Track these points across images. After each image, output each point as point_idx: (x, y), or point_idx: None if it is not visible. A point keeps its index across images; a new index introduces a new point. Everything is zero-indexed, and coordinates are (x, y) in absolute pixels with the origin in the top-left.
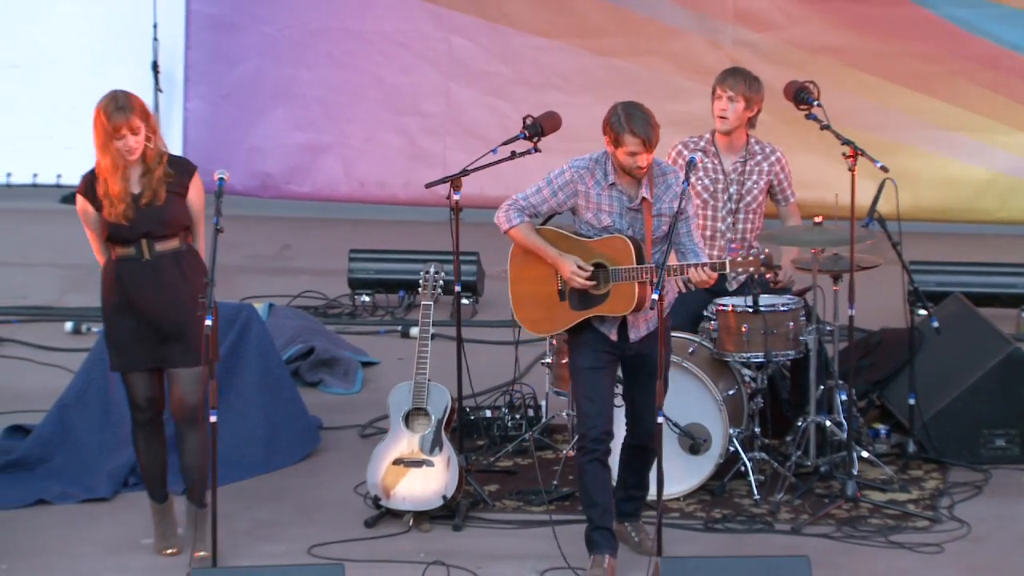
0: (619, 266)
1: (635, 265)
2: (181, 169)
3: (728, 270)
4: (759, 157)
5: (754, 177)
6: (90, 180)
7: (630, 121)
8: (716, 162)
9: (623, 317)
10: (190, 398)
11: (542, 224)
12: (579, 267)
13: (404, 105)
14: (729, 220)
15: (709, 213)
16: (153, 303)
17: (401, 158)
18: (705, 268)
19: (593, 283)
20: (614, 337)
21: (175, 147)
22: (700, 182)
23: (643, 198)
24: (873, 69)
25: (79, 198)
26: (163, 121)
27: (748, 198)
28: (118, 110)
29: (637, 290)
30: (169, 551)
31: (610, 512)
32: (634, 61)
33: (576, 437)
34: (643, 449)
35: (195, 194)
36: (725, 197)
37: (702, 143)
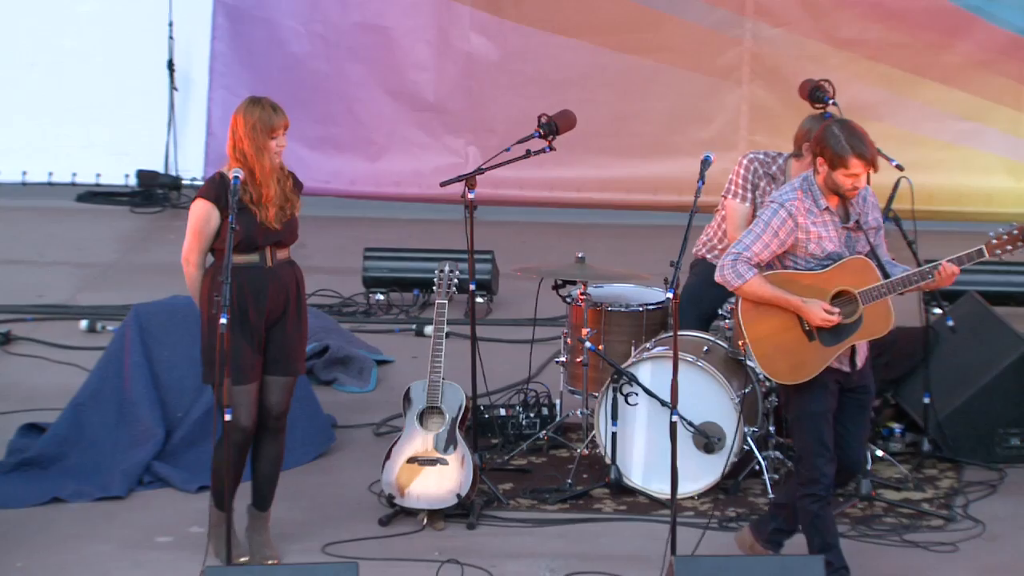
0: (868, 287)
1: (882, 281)
2: (296, 183)
3: (987, 255)
4: None
5: None
6: (221, 186)
7: (853, 141)
8: None
9: (851, 347)
10: (279, 407)
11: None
12: (827, 312)
13: (424, 102)
14: None
15: None
16: (270, 310)
17: (421, 155)
18: (951, 263)
19: (843, 318)
20: (847, 368)
21: (195, 145)
22: (761, 207)
23: (858, 214)
24: (894, 61)
25: (204, 204)
26: (179, 119)
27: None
28: (274, 110)
29: (892, 306)
30: (243, 559)
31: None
32: (653, 58)
33: (802, 482)
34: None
35: (299, 207)
36: None
37: (774, 167)
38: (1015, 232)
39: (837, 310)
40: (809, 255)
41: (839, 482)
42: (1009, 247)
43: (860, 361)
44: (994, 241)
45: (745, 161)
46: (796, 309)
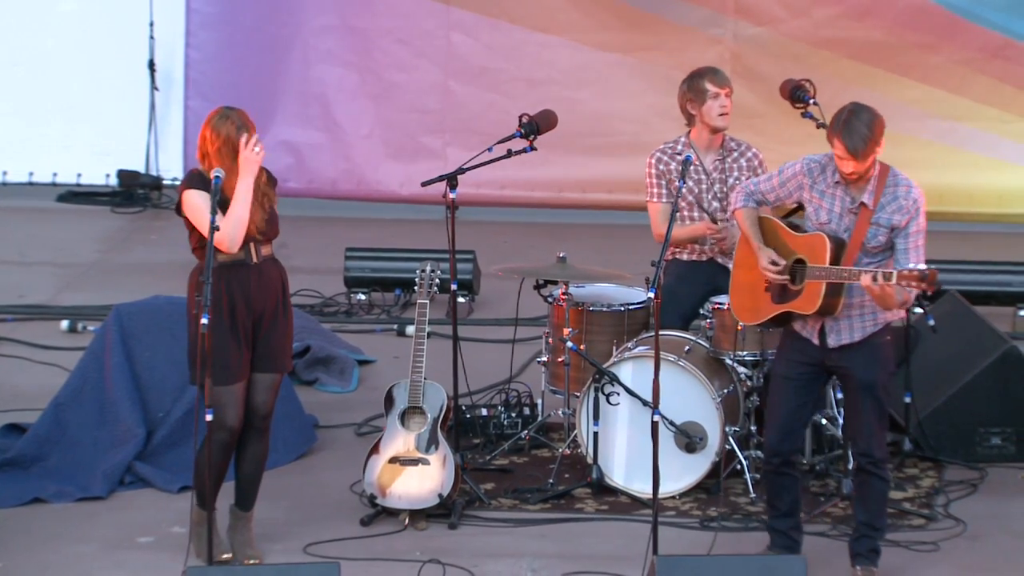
0: (815, 265)
1: (827, 265)
2: (271, 179)
3: (895, 281)
4: (736, 153)
5: (735, 173)
6: (202, 180)
7: (844, 127)
8: (697, 162)
9: (822, 321)
10: (265, 407)
11: (784, 217)
12: (771, 263)
13: (404, 102)
14: (719, 218)
15: (696, 215)
16: (259, 307)
17: (401, 155)
18: (874, 275)
19: (787, 278)
20: (816, 341)
21: (176, 145)
22: (685, 185)
23: (861, 202)
24: (875, 61)
25: (195, 191)
26: (159, 119)
27: (732, 195)
28: (244, 127)
29: (824, 291)
30: (226, 555)
31: (790, 517)
32: (635, 56)
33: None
34: (864, 472)
35: (275, 200)
36: (710, 196)
37: (679, 147)
38: (925, 273)
39: (783, 263)
40: (808, 218)
41: (859, 480)
42: (915, 283)
43: (833, 340)
44: (905, 272)
45: (653, 160)
46: (753, 249)
